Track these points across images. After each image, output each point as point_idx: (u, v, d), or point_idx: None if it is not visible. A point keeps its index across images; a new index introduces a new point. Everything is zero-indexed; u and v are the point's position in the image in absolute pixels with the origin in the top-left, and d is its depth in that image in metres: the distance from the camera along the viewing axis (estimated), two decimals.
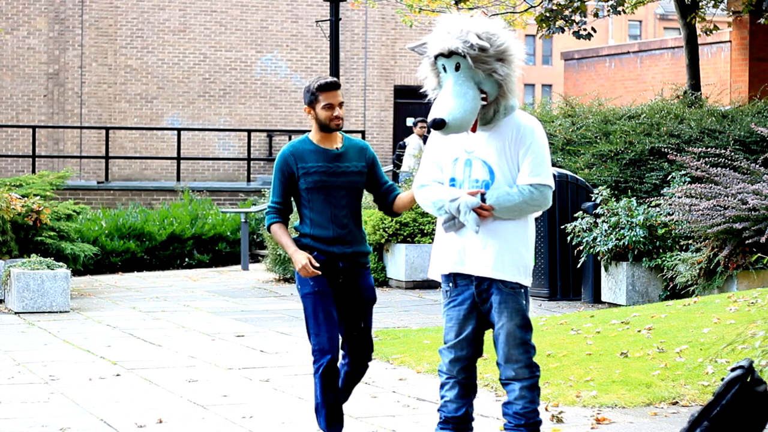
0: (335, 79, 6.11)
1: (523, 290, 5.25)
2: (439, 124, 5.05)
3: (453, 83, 5.10)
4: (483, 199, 5.15)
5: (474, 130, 5.17)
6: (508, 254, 5.19)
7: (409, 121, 27.46)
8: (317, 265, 5.98)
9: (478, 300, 5.26)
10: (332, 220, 6.04)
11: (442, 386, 5.35)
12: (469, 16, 5.21)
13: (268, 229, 6.15)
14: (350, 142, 6.17)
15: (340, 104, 6.03)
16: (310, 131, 6.13)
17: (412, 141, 20.91)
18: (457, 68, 5.10)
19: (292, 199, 6.16)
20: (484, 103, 5.13)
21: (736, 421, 4.75)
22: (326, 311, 6.02)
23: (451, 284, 5.29)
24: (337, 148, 6.09)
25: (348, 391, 6.37)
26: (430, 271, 5.43)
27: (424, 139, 19.91)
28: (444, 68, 5.14)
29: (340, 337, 6.14)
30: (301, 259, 5.96)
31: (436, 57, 5.16)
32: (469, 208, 5.15)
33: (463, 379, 5.31)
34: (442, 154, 5.31)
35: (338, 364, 6.15)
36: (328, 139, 6.09)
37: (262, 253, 19.75)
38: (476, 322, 5.27)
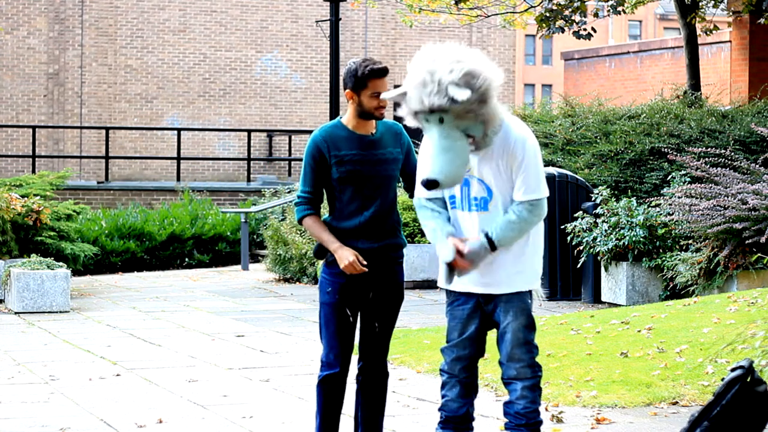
0: (385, 64, 5.62)
1: (529, 290, 5.26)
2: (432, 184, 4.94)
3: (438, 137, 4.93)
4: (488, 237, 5.09)
5: None
6: (515, 266, 5.18)
7: None
8: (365, 262, 5.62)
9: (482, 300, 5.25)
10: (362, 212, 5.66)
11: (443, 385, 5.35)
12: (444, 53, 4.93)
13: (300, 222, 5.73)
14: (385, 126, 5.74)
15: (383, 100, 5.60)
16: (341, 117, 5.69)
17: None
18: (440, 121, 4.93)
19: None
20: (473, 147, 5.05)
21: (736, 421, 4.75)
22: (339, 324, 5.70)
23: None
24: (372, 134, 5.68)
25: (372, 423, 5.85)
26: (439, 280, 5.36)
27: None
28: (426, 120, 4.96)
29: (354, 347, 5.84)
30: (347, 256, 5.57)
31: (416, 113, 4.98)
32: (443, 263, 5.12)
33: (464, 378, 5.30)
34: None
35: (347, 379, 5.83)
36: (364, 125, 5.67)
37: (262, 253, 19.75)
38: (479, 322, 5.27)
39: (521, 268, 5.20)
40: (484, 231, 5.10)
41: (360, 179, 5.63)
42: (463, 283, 5.24)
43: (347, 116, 5.69)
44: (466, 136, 4.98)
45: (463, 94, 4.86)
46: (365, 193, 5.65)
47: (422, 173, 4.99)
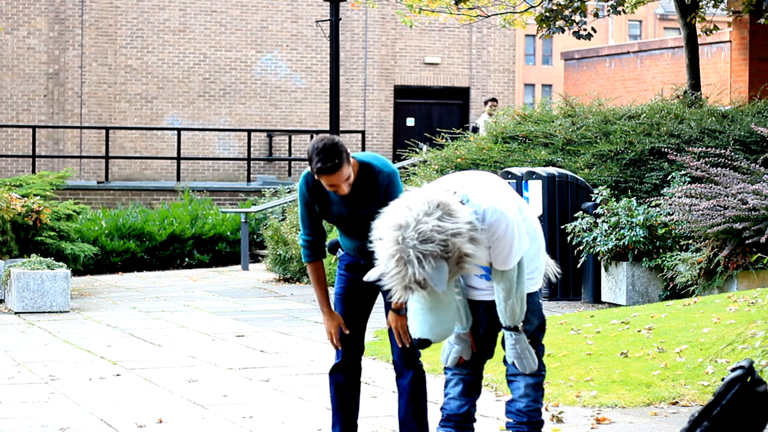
0: (334, 160, 5.43)
1: (537, 290, 5.27)
2: (425, 344, 5.00)
3: (424, 298, 4.92)
4: (507, 328, 5.16)
5: None
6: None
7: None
8: (347, 332, 5.82)
9: (492, 302, 5.26)
10: (355, 241, 5.80)
11: (446, 383, 5.35)
12: (407, 218, 4.76)
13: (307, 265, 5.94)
14: (361, 176, 5.65)
15: (347, 178, 5.51)
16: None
17: (480, 121, 21.48)
18: (423, 287, 4.83)
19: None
20: (459, 298, 5.09)
21: (736, 421, 4.75)
22: (345, 314, 5.89)
23: None
24: (345, 193, 5.62)
25: (414, 419, 5.85)
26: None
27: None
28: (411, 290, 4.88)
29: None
30: (327, 327, 5.83)
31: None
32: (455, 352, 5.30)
33: (467, 375, 5.30)
34: None
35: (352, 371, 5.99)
36: None
37: (262, 253, 19.75)
38: (487, 322, 5.26)
39: (528, 272, 5.20)
40: (502, 328, 5.18)
41: (342, 224, 5.79)
42: (472, 296, 5.26)
43: None
44: (453, 288, 5.03)
45: (441, 280, 4.76)
46: (353, 232, 5.80)
47: (413, 332, 5.02)
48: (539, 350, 5.23)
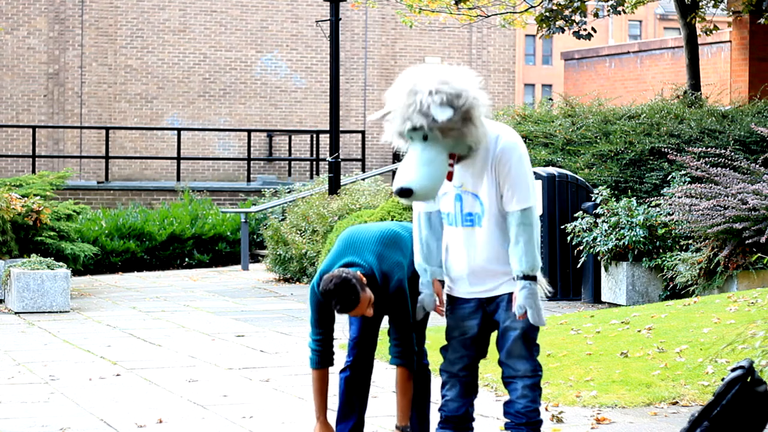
0: (349, 299, 5.41)
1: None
2: (406, 193, 4.91)
3: (421, 150, 4.94)
4: (522, 276, 5.07)
5: (450, 178, 5.07)
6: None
7: None
8: None
9: (484, 301, 5.25)
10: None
11: (443, 385, 5.34)
12: (426, 73, 4.96)
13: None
14: (372, 287, 5.57)
15: (369, 303, 5.47)
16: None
17: None
18: (424, 138, 4.95)
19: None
20: (451, 169, 5.05)
21: (736, 421, 4.75)
22: (362, 325, 5.95)
23: None
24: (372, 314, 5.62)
25: (418, 412, 5.95)
26: (446, 287, 5.39)
27: None
28: (411, 137, 4.98)
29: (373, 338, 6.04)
30: None
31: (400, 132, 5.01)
32: (423, 308, 5.32)
33: (464, 377, 5.29)
34: None
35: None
36: None
37: (262, 253, 19.75)
38: (481, 321, 5.26)
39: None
40: (515, 274, 5.08)
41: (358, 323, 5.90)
42: (465, 291, 5.24)
43: None
44: (449, 155, 4.99)
45: (444, 114, 4.88)
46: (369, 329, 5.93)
47: (399, 180, 4.97)
48: (534, 350, 5.22)
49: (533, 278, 5.08)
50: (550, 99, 22.51)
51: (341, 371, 6.03)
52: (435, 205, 5.26)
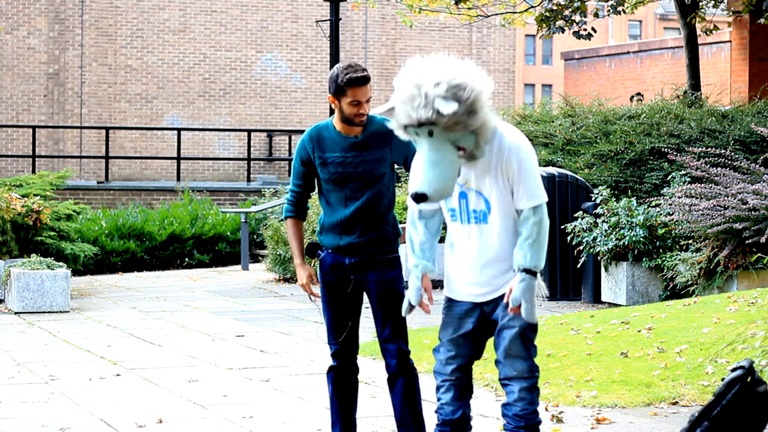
0: (365, 72, 5.64)
1: None
2: (421, 198, 4.92)
3: (428, 150, 4.91)
4: (524, 270, 5.05)
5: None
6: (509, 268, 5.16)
7: None
8: (317, 288, 5.84)
9: (483, 301, 5.24)
10: (345, 211, 5.76)
11: (438, 389, 5.32)
12: (430, 66, 4.94)
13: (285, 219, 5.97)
14: (375, 128, 5.73)
15: (368, 99, 5.64)
16: (332, 118, 5.75)
17: None
18: (430, 134, 4.91)
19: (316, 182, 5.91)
20: (463, 160, 5.04)
21: (736, 421, 4.75)
22: (333, 315, 5.88)
23: None
24: (356, 136, 5.73)
25: (406, 414, 5.94)
26: (445, 289, 5.38)
27: None
28: (416, 133, 4.94)
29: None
30: (302, 276, 5.83)
31: (405, 127, 4.97)
32: (408, 305, 5.29)
33: (457, 380, 5.26)
34: None
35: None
36: (350, 128, 5.73)
37: (262, 253, 19.75)
38: (477, 320, 5.24)
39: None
40: (516, 266, 5.06)
41: (342, 180, 5.76)
42: (462, 293, 5.23)
43: (335, 118, 5.77)
44: (456, 148, 4.98)
45: (449, 108, 4.85)
46: (348, 194, 5.77)
47: (412, 186, 4.98)
48: (532, 350, 5.20)
49: (534, 273, 5.07)
50: (551, 99, 22.51)
51: (327, 372, 6.04)
52: (435, 205, 5.26)
